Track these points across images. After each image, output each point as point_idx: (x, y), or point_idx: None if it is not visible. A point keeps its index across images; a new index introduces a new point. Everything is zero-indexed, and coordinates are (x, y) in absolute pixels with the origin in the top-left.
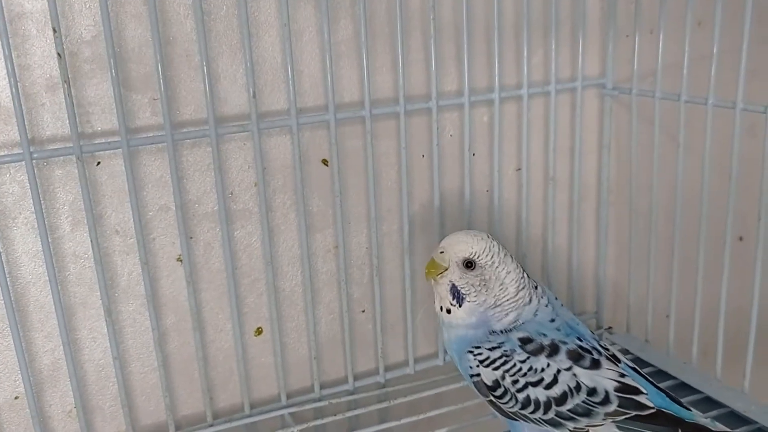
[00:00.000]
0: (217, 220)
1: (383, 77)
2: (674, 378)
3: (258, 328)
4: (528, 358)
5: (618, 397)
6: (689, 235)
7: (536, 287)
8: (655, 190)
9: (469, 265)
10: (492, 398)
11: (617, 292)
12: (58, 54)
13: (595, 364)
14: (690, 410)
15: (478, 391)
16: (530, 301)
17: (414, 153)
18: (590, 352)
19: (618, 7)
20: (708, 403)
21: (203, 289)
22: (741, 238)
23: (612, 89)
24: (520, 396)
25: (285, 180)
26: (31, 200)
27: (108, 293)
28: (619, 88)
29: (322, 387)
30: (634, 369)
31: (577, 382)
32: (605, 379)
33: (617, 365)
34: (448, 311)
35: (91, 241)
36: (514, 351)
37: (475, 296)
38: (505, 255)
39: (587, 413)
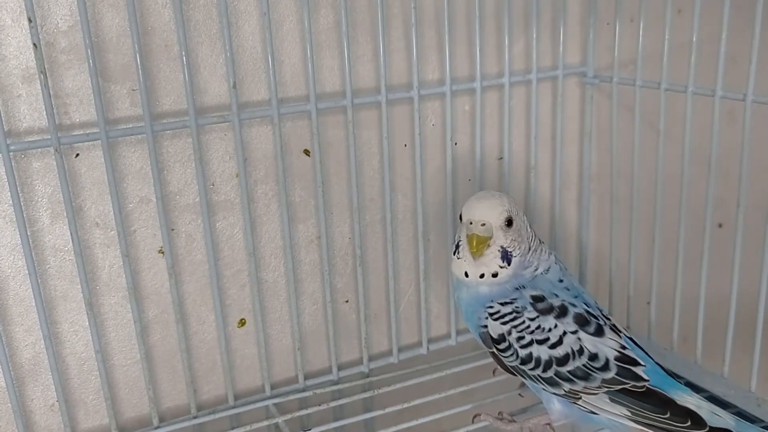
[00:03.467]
0: (198, 212)
1: (364, 67)
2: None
3: (241, 320)
4: (537, 316)
5: (617, 365)
6: (669, 222)
7: (542, 242)
8: (635, 177)
9: (510, 223)
10: (495, 350)
11: (598, 280)
12: (34, 44)
13: (599, 331)
14: (685, 388)
15: (483, 342)
16: (541, 248)
17: (396, 142)
18: (596, 318)
19: None
20: (689, 388)
21: (185, 281)
22: (720, 225)
23: (593, 77)
24: (523, 352)
25: (267, 171)
26: (9, 192)
27: (89, 286)
28: (600, 77)
29: (306, 377)
30: (633, 342)
31: (581, 346)
32: (607, 347)
33: (619, 336)
34: (495, 275)
35: (71, 233)
36: (525, 308)
37: (519, 247)
38: (511, 199)
39: (585, 377)
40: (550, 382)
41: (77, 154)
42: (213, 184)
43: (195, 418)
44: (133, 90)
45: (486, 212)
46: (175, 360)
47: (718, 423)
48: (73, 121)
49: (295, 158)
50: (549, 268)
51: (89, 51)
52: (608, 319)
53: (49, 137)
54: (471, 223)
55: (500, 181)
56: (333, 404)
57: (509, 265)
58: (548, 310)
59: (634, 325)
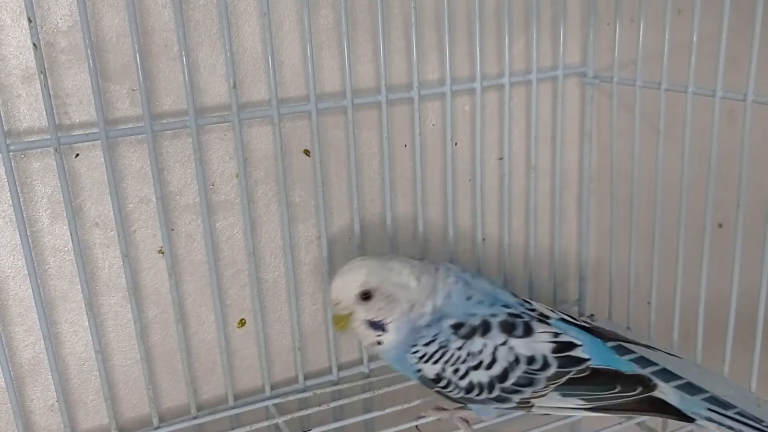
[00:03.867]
0: (198, 212)
1: (364, 67)
2: (655, 364)
3: (241, 320)
4: (464, 343)
5: (556, 358)
6: (670, 222)
7: (437, 269)
8: (635, 177)
9: (367, 296)
10: (437, 389)
11: (599, 279)
12: (34, 44)
13: (528, 330)
14: (625, 361)
15: (424, 384)
16: (436, 284)
17: (396, 143)
18: (520, 317)
19: None
20: (689, 388)
21: (185, 281)
22: (720, 225)
23: (593, 78)
24: (463, 383)
25: (267, 171)
26: (9, 193)
27: (89, 286)
28: (600, 77)
29: (306, 378)
30: (566, 321)
31: (515, 355)
32: (540, 343)
33: (549, 325)
34: (379, 343)
35: (71, 233)
36: (449, 340)
37: (392, 313)
38: (387, 261)
39: (530, 383)
40: (498, 399)
41: (77, 154)
42: (213, 184)
43: (195, 418)
44: (133, 90)
45: (337, 291)
46: (175, 360)
47: (663, 392)
48: (72, 121)
49: (295, 158)
50: (449, 293)
51: (89, 51)
52: (533, 309)
53: (49, 137)
54: (330, 303)
55: (500, 181)
56: (333, 405)
57: (385, 331)
58: (472, 332)
59: (634, 324)
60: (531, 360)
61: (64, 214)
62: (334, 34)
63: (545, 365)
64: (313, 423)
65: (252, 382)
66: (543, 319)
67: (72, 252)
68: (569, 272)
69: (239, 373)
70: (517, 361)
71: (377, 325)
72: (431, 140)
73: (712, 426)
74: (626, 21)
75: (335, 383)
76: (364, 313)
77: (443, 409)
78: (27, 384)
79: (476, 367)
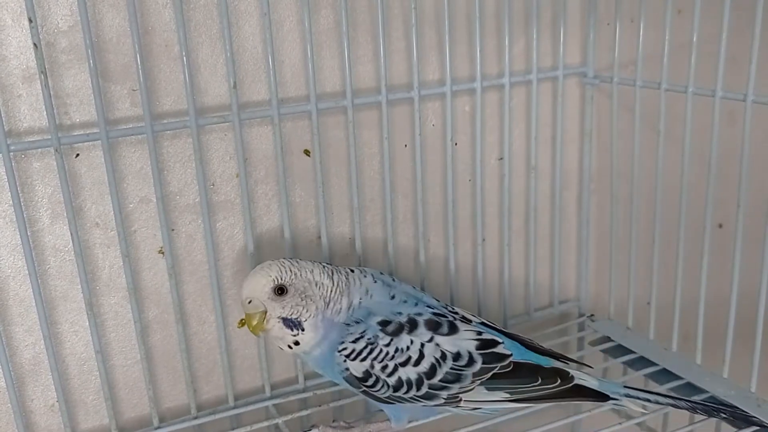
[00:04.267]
0: (198, 212)
1: (365, 67)
2: (655, 364)
3: (241, 320)
4: (391, 340)
5: (480, 354)
6: (670, 222)
7: (352, 270)
8: (635, 177)
9: (281, 291)
10: (364, 388)
11: (599, 280)
12: (35, 44)
13: (453, 329)
14: (545, 357)
15: (350, 384)
16: (350, 283)
17: (396, 143)
18: (444, 317)
19: None
20: (689, 388)
21: (185, 281)
22: (720, 225)
23: (593, 78)
24: (392, 380)
25: (267, 171)
26: (9, 193)
27: (89, 286)
28: (600, 77)
29: (306, 378)
30: (486, 325)
31: (441, 351)
32: (465, 340)
33: (471, 324)
34: (296, 343)
35: (71, 233)
36: (377, 336)
37: (307, 310)
38: (297, 261)
39: (457, 378)
40: (426, 397)
41: (77, 154)
42: (213, 184)
43: (195, 418)
44: (134, 90)
45: (248, 289)
46: (175, 360)
47: (582, 379)
48: (73, 121)
49: (295, 158)
50: (368, 291)
51: (89, 51)
52: (455, 312)
53: (50, 137)
54: (242, 304)
55: (500, 181)
56: (333, 405)
57: (303, 330)
58: (399, 329)
59: (634, 325)
60: (457, 356)
61: (65, 214)
62: (335, 34)
63: (471, 361)
64: (313, 423)
65: (252, 382)
66: (465, 321)
67: (72, 252)
68: (569, 272)
69: (239, 373)
70: (443, 357)
71: (293, 324)
72: (431, 140)
73: (629, 401)
74: (626, 21)
75: (335, 383)
76: (279, 309)
77: (349, 426)
78: (27, 384)
79: (404, 364)
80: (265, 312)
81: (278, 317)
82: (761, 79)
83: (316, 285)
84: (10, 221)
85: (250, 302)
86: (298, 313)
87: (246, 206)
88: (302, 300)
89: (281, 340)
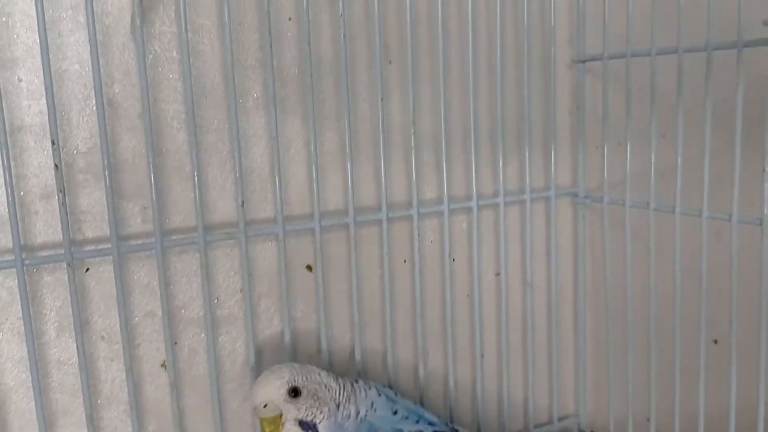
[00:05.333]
0: (202, 326)
1: (366, 186)
2: None
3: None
4: None
5: None
6: (665, 337)
7: (356, 380)
8: (629, 294)
9: (294, 392)
10: None
11: (598, 395)
12: (56, 165)
13: None
14: None
15: None
16: (355, 391)
17: (396, 258)
18: None
19: (587, 120)
20: None
21: (186, 394)
22: (716, 341)
23: (584, 198)
24: None
25: (270, 285)
26: (20, 306)
27: (91, 400)
28: (591, 197)
29: None
30: None
31: None
32: None
33: None
34: None
35: (78, 347)
36: None
37: (321, 412)
38: (303, 364)
39: None
40: None
41: (87, 269)
42: (217, 299)
43: None
44: (145, 208)
45: (262, 392)
46: None
47: None
48: (85, 236)
49: (297, 273)
50: (373, 404)
51: (106, 172)
52: (456, 430)
53: (63, 252)
54: (256, 409)
55: (498, 296)
56: None
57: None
58: None
59: None
60: None
61: (71, 327)
62: (339, 155)
63: None
64: None
65: None
66: None
67: (76, 365)
68: (567, 387)
69: None
70: None
71: (309, 426)
72: (430, 256)
73: None
74: (614, 144)
75: None
76: (294, 412)
77: None
78: None
79: None
80: (281, 415)
81: (294, 419)
82: (745, 198)
83: (326, 387)
84: (18, 334)
85: (265, 406)
86: (313, 415)
87: (249, 321)
88: (315, 401)
89: None
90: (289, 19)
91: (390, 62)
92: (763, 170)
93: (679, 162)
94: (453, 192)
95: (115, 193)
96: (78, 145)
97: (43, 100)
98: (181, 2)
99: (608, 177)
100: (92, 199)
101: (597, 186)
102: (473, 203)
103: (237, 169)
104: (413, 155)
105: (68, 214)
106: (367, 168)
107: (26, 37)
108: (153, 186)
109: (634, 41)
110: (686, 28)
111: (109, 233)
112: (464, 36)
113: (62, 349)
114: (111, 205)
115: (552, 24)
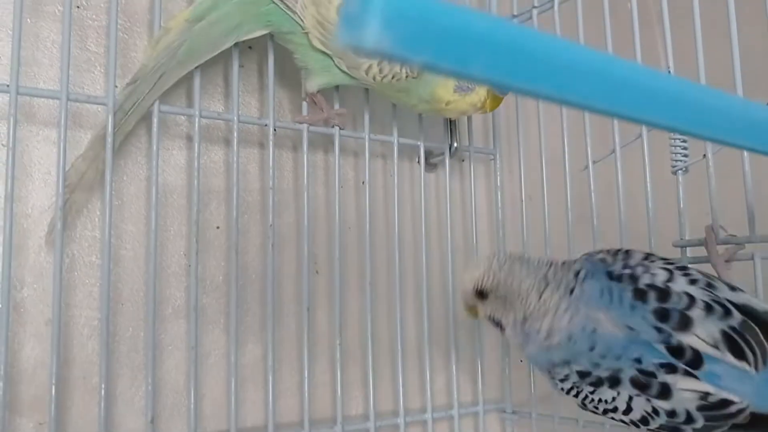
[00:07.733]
0: None
1: (288, 401)
2: None
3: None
4: (594, 390)
5: (702, 414)
6: None
7: (571, 291)
8: None
9: (482, 295)
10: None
11: None
12: None
13: (665, 392)
14: None
15: None
16: (560, 306)
17: None
18: (654, 376)
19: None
20: None
21: None
22: None
23: (512, 413)
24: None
25: None
26: None
27: None
28: (519, 413)
29: None
30: (725, 362)
31: (653, 407)
32: (684, 400)
33: (697, 379)
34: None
35: None
36: (581, 382)
37: (506, 318)
38: (513, 262)
39: (675, 429)
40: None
41: None
42: None
43: None
44: (40, 424)
45: (463, 285)
46: None
47: None
48: None
49: None
50: (571, 336)
51: (1, 383)
52: (679, 350)
53: None
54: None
55: None
56: None
57: (502, 330)
58: (599, 383)
59: None
60: (672, 413)
61: None
62: (260, 367)
63: (689, 419)
64: None
65: None
66: (690, 370)
67: None
68: None
69: None
70: (656, 412)
71: (496, 323)
72: None
73: None
74: None
75: None
76: (482, 307)
77: None
78: None
79: (614, 411)
80: (476, 306)
81: (486, 314)
82: None
83: (519, 298)
84: None
85: (464, 295)
86: (500, 316)
87: None
88: (503, 307)
89: (493, 330)
90: (217, 227)
91: (317, 272)
92: None
93: None
94: (379, 407)
95: (8, 407)
96: None
97: None
98: (107, 208)
99: (536, 391)
100: None
101: (524, 400)
102: (401, 420)
103: (149, 380)
104: (339, 368)
105: None
106: (289, 381)
107: None
108: (53, 399)
109: None
110: None
111: None
112: (391, 248)
113: None
114: (2, 420)
115: (474, 242)
